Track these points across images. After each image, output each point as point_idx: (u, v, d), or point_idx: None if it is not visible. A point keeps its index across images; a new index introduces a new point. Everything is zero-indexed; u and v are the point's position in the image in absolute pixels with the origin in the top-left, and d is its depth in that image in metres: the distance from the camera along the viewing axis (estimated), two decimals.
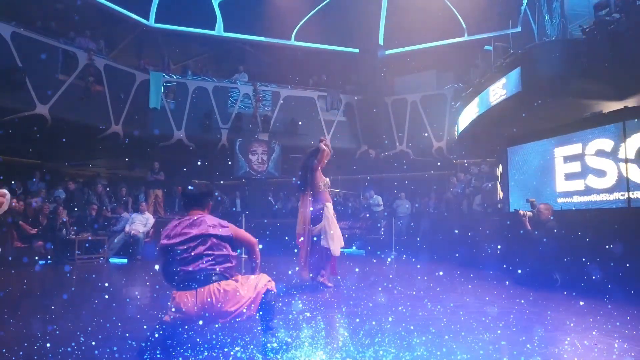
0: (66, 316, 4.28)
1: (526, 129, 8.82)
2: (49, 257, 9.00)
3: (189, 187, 3.43)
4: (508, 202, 8.47)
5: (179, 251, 3.11)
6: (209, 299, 3.03)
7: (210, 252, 3.15)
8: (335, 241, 5.86)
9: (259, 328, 3.34)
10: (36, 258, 8.53)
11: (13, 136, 11.24)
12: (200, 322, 3.07)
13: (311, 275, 5.97)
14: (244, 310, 3.09)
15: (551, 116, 8.34)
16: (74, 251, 9.22)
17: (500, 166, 9.28)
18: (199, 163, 13.43)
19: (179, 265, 3.10)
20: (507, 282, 6.43)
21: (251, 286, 3.17)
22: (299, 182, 6.14)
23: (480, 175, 10.65)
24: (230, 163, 14.01)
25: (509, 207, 8.37)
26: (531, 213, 6.55)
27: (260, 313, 3.18)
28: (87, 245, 9.79)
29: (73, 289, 6.50)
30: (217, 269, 3.13)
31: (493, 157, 10.71)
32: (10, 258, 8.15)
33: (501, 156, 9.09)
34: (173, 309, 3.04)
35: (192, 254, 3.11)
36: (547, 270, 6.05)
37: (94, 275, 7.76)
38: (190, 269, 3.08)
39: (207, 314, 3.04)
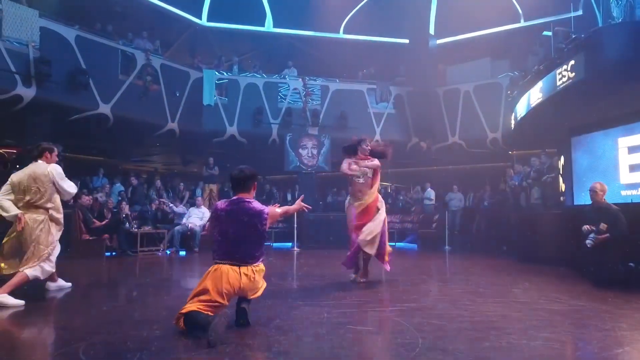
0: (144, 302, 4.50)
1: (591, 117, 8.36)
2: (114, 249, 9.48)
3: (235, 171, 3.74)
4: (572, 196, 8.08)
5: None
6: (243, 279, 3.40)
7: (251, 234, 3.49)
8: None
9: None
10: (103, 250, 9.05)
11: (79, 134, 11.92)
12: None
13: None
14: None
15: (618, 103, 7.87)
16: (137, 244, 9.64)
17: (563, 157, 8.85)
18: (249, 157, 13.64)
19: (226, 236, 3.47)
20: (574, 280, 6.15)
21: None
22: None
23: (539, 168, 10.19)
24: (280, 158, 14.18)
25: (572, 200, 7.99)
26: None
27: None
28: (153, 239, 10.27)
29: (148, 279, 6.81)
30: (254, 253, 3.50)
31: (553, 148, 10.24)
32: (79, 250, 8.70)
33: (563, 146, 8.67)
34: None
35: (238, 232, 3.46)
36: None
37: (157, 267, 8.12)
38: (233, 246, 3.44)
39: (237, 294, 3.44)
